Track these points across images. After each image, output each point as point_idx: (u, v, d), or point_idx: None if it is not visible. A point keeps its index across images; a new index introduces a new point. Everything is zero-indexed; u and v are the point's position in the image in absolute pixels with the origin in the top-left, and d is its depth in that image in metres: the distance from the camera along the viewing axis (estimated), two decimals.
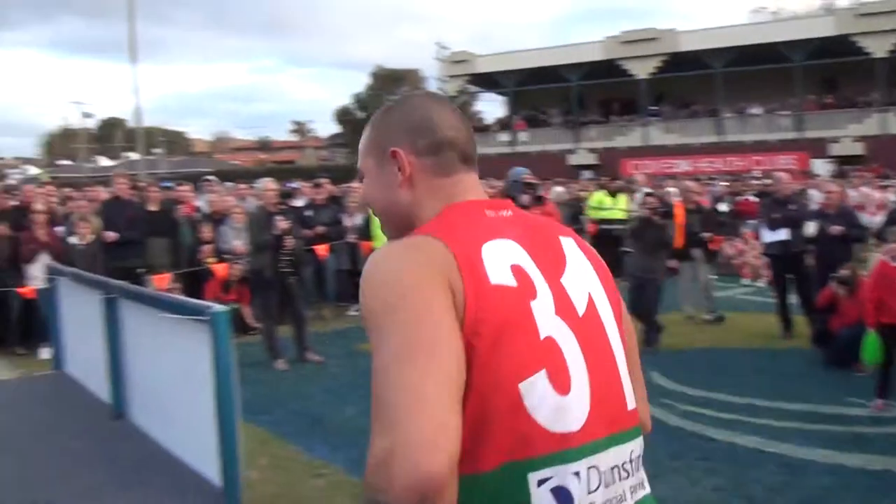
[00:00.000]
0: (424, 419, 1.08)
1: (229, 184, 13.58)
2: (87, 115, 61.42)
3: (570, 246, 1.42)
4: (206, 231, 10.03)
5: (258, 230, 7.95)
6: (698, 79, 32.44)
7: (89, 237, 9.05)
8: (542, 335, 1.24)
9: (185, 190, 11.79)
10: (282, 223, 7.83)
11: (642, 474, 1.36)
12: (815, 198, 12.55)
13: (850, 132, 30.24)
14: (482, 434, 1.17)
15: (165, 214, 9.98)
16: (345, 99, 69.26)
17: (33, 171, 51.42)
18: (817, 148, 29.72)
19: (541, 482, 1.19)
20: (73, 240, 9.06)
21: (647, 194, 9.51)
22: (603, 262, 1.49)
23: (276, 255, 7.84)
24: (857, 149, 29.40)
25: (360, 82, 77.61)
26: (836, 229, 8.24)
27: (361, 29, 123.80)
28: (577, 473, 1.21)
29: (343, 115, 64.79)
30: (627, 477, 1.30)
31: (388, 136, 1.45)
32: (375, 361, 1.18)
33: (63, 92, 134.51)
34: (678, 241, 9.43)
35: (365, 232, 10.97)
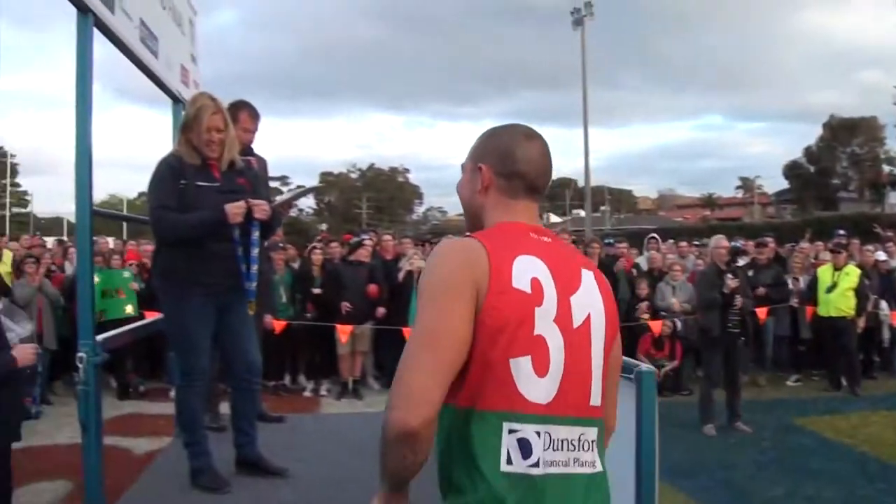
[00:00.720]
0: (416, 393, 1.63)
1: (670, 241, 13.56)
2: None
3: (588, 276, 1.86)
4: (644, 287, 10.14)
5: (708, 287, 7.85)
6: None
7: None
8: (536, 332, 1.70)
9: (623, 246, 12.05)
10: (732, 281, 7.66)
11: (594, 456, 1.79)
12: None
13: None
14: (482, 387, 1.67)
15: (605, 270, 10.27)
16: (795, 153, 65.75)
17: None
18: None
19: (511, 431, 1.67)
20: None
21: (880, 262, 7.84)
22: (613, 298, 1.92)
23: (724, 314, 7.67)
24: None
25: (812, 134, 73.23)
26: None
27: (815, 77, 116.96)
28: (538, 433, 1.69)
29: (792, 170, 61.69)
30: (574, 450, 1.74)
31: (483, 153, 1.93)
32: (412, 330, 1.72)
33: None
34: None
35: (809, 296, 10.27)
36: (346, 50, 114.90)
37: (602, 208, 70.04)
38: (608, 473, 1.87)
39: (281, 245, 9.71)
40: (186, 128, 3.85)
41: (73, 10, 3.46)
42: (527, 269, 1.73)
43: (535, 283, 1.72)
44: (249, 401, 4.13)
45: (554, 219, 71.94)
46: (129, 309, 9.26)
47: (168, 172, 3.78)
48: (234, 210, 3.72)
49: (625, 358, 4.15)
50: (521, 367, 1.68)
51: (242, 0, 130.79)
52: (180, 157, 3.82)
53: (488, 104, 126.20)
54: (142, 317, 8.40)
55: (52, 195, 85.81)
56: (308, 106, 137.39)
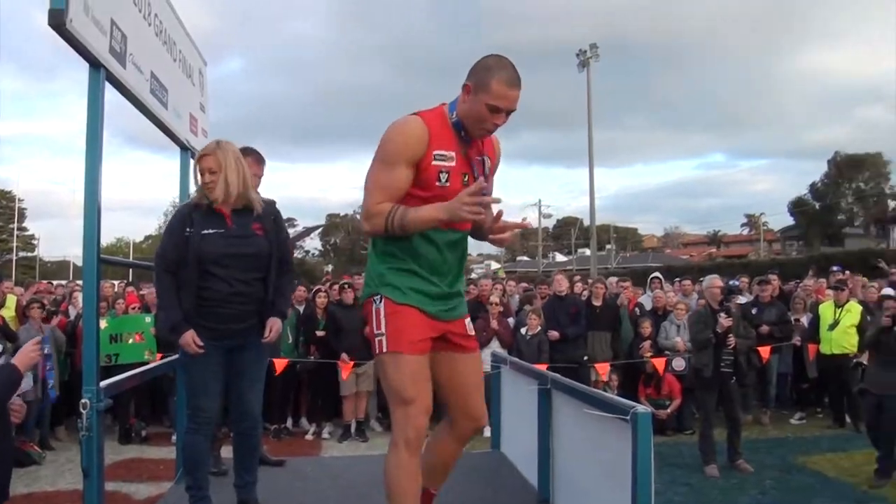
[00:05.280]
0: (373, 201, 2.84)
1: (677, 280, 13.60)
2: (546, 216, 65.84)
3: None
4: (647, 326, 10.15)
5: (701, 327, 7.83)
6: None
7: (537, 329, 9.65)
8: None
9: (627, 285, 12.06)
10: (725, 321, 7.63)
11: None
12: None
13: None
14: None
15: (609, 309, 10.28)
16: (799, 189, 65.94)
17: (494, 265, 56.25)
18: None
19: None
20: (523, 330, 9.74)
21: (886, 297, 7.78)
22: None
23: (717, 353, 7.63)
24: None
25: (816, 171, 73.48)
26: None
27: (817, 115, 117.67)
28: None
29: (797, 206, 61.81)
30: None
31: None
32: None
33: (524, 195, 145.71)
34: None
35: (812, 334, 10.26)
36: (350, 94, 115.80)
37: (608, 247, 70.14)
38: None
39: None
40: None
41: (85, 64, 3.53)
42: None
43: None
44: (248, 445, 4.15)
45: (560, 258, 72.11)
46: (148, 354, 9.14)
47: (177, 221, 3.92)
48: (186, 342, 3.78)
49: (621, 399, 4.18)
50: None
51: (249, 48, 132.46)
52: (193, 205, 3.93)
53: None
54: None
55: (58, 238, 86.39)
56: (313, 150, 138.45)
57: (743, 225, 78.64)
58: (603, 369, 9.71)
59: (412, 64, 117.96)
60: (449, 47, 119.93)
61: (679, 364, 9.76)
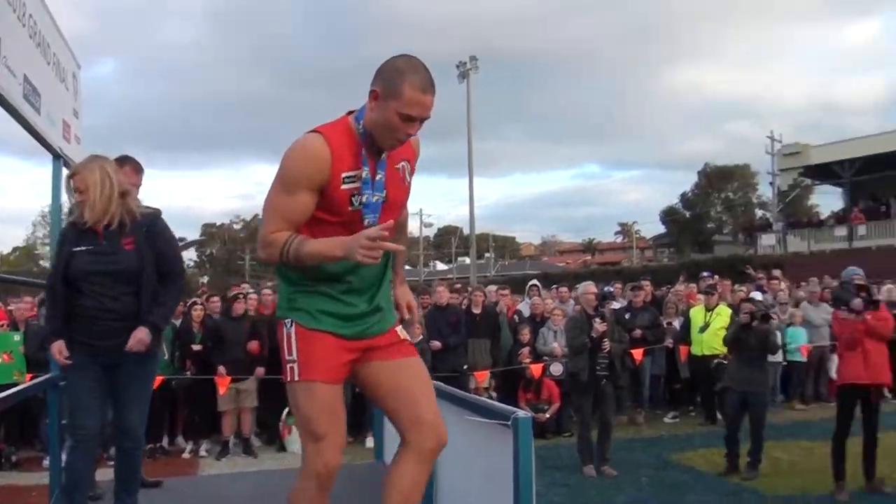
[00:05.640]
0: (269, 228, 2.62)
1: (554, 287, 13.91)
2: (427, 225, 66.19)
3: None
4: (525, 333, 10.33)
5: (577, 333, 8.01)
6: None
7: (419, 338, 9.67)
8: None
9: (507, 293, 12.25)
10: (600, 326, 7.82)
11: None
12: None
13: None
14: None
15: (488, 316, 10.41)
16: (671, 199, 68.54)
17: None
18: None
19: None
20: None
21: (745, 300, 8.44)
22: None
23: (593, 357, 7.81)
24: None
25: (687, 181, 76.54)
26: None
27: (687, 128, 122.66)
28: None
29: (668, 215, 64.19)
30: None
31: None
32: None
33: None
34: None
35: (684, 336, 10.70)
36: (226, 101, 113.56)
37: (487, 255, 71.07)
38: None
39: None
40: None
41: None
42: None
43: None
44: (130, 466, 4.03)
45: (440, 266, 72.66)
46: (17, 375, 8.46)
47: (60, 238, 4.09)
48: (53, 353, 3.84)
49: (502, 405, 4.24)
50: None
51: (122, 51, 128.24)
52: (72, 223, 3.96)
53: None
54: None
55: None
56: (189, 157, 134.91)
57: (617, 233, 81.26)
58: (481, 376, 9.84)
59: (291, 72, 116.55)
60: (327, 56, 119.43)
61: (557, 369, 9.99)
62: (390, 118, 2.53)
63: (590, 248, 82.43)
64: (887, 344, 6.88)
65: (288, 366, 2.74)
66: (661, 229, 67.15)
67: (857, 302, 6.69)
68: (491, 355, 10.14)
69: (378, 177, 2.67)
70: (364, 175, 2.63)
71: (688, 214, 62.61)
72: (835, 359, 9.33)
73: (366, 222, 2.63)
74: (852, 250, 30.82)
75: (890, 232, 32.68)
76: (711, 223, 61.29)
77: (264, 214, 2.69)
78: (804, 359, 11.75)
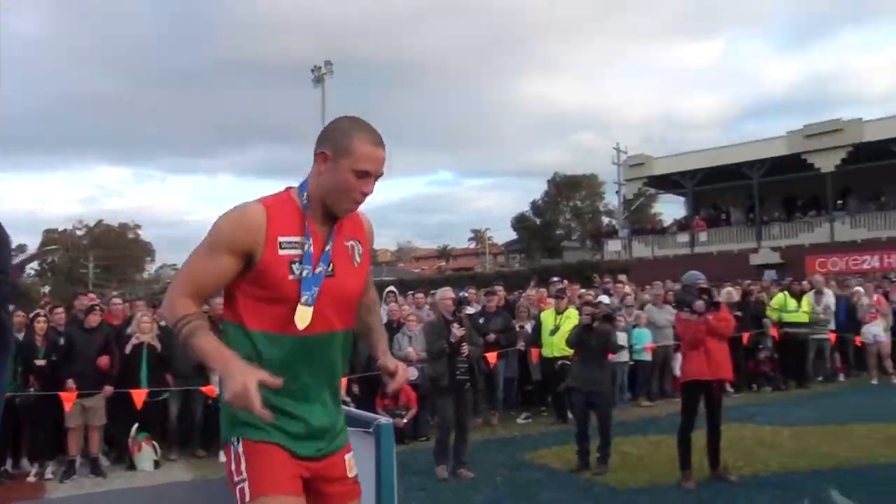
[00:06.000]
0: (178, 290, 2.40)
1: (410, 293, 14.02)
2: None
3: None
4: None
5: (435, 338, 8.08)
6: (887, 169, 30.71)
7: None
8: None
9: None
10: (458, 330, 7.92)
11: None
12: None
13: None
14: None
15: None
16: (522, 206, 70.27)
17: None
18: None
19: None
20: None
21: (585, 303, 9.08)
22: None
23: (452, 362, 7.89)
24: None
25: (538, 189, 78.61)
26: None
27: (537, 138, 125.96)
28: None
29: (519, 222, 65.77)
30: None
31: None
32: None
33: None
34: None
35: (535, 339, 11.03)
36: (69, 100, 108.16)
37: None
38: None
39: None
40: None
41: None
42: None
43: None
44: None
45: None
46: None
47: None
48: None
49: (363, 412, 4.26)
50: None
51: None
52: None
53: (224, 158, 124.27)
54: None
55: None
56: (29, 159, 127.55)
57: (470, 239, 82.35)
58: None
59: (138, 71, 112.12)
60: (174, 56, 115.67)
61: (412, 374, 10.06)
62: (344, 177, 2.39)
63: (444, 254, 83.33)
64: (727, 342, 7.40)
65: (238, 488, 2.38)
66: (513, 236, 68.75)
67: (700, 304, 7.14)
68: (349, 362, 10.09)
69: (327, 248, 2.46)
70: (307, 247, 2.40)
71: (538, 221, 64.44)
72: (679, 357, 9.85)
73: (303, 299, 2.38)
74: (694, 255, 32.44)
75: (729, 238, 34.76)
76: (560, 230, 63.30)
77: (179, 273, 2.52)
78: (649, 358, 12.38)
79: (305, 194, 2.44)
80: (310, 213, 2.44)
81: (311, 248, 2.41)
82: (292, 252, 2.38)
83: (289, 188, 2.51)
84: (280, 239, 2.36)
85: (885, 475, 7.28)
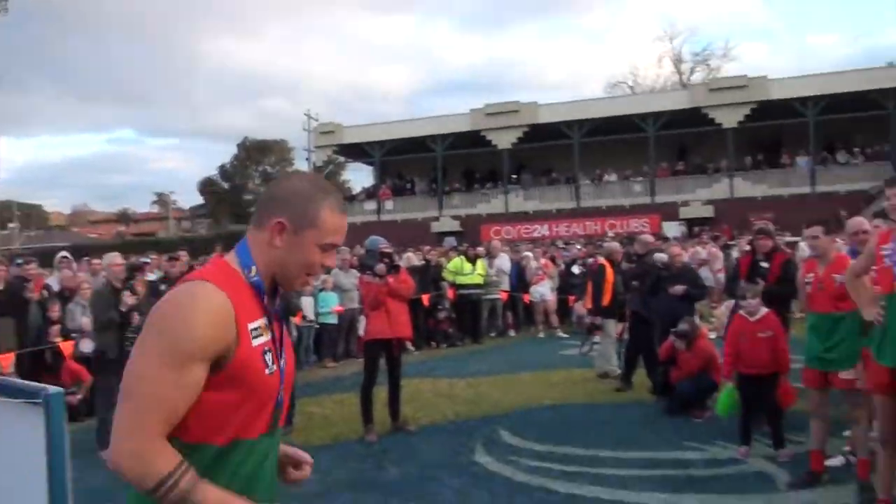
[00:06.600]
0: (146, 432, 1.74)
1: (86, 259, 13.17)
2: None
3: None
4: (55, 309, 9.64)
5: (103, 308, 7.60)
6: (557, 148, 33.95)
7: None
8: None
9: (32, 267, 11.28)
10: (129, 299, 7.53)
11: None
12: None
13: (699, 196, 32.01)
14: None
15: (12, 293, 9.51)
16: (209, 170, 68.38)
17: None
18: (669, 211, 31.30)
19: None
20: None
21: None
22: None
23: (121, 333, 7.48)
24: (707, 211, 31.13)
25: (226, 153, 76.84)
26: (677, 289, 8.59)
27: (227, 101, 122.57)
28: None
29: (206, 186, 63.99)
30: None
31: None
32: None
33: None
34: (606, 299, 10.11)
35: None
36: None
37: (10, 225, 64.64)
38: None
39: None
40: None
41: None
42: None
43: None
44: None
45: None
46: None
47: None
48: None
49: (30, 382, 4.01)
50: None
51: None
52: None
53: None
54: None
55: None
56: None
57: (153, 203, 78.70)
58: (6, 360, 8.98)
59: None
60: None
61: (87, 346, 9.45)
62: (308, 252, 1.95)
63: (125, 217, 79.00)
64: (408, 303, 7.88)
65: None
66: (200, 200, 66.80)
67: (381, 267, 7.50)
68: (17, 335, 9.29)
69: (284, 329, 2.06)
70: (272, 332, 1.96)
71: (226, 186, 63.09)
72: (363, 319, 10.20)
73: (280, 394, 1.97)
74: (380, 223, 33.71)
75: (413, 207, 36.58)
76: (249, 195, 62.57)
77: (134, 404, 1.79)
78: (336, 321, 12.78)
79: (253, 268, 1.94)
80: (260, 290, 1.94)
81: (275, 332, 1.98)
82: (262, 340, 1.90)
83: (221, 258, 2.03)
84: (249, 326, 1.87)
85: (549, 415, 8.28)
